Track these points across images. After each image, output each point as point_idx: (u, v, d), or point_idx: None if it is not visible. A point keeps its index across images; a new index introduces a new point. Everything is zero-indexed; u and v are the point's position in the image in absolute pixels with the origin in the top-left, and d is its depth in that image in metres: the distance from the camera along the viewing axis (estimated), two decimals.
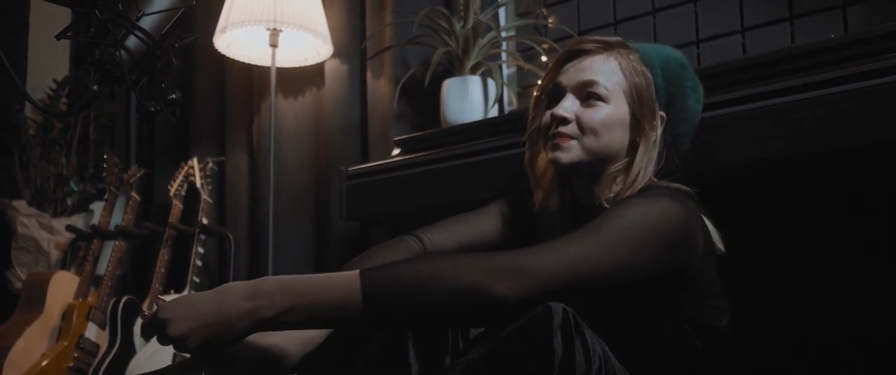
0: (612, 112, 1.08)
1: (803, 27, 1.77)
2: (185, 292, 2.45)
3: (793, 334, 1.49)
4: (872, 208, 1.41)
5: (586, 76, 1.09)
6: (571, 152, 1.09)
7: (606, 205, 1.07)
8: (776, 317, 1.51)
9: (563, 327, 0.83)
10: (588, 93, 1.09)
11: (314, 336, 1.01)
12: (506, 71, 2.25)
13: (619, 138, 1.09)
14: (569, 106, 1.09)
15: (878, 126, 1.13)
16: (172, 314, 0.84)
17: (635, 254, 0.93)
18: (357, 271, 0.87)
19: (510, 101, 2.17)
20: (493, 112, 2.00)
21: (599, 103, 1.08)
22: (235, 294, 0.85)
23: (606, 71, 1.09)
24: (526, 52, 2.17)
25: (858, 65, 1.18)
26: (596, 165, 1.11)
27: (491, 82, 1.99)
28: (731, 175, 1.34)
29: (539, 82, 1.18)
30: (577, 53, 1.12)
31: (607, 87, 1.08)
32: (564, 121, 1.08)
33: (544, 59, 2.01)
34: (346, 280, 0.86)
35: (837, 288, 1.45)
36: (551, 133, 1.10)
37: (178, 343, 0.83)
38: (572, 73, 1.11)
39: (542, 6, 2.19)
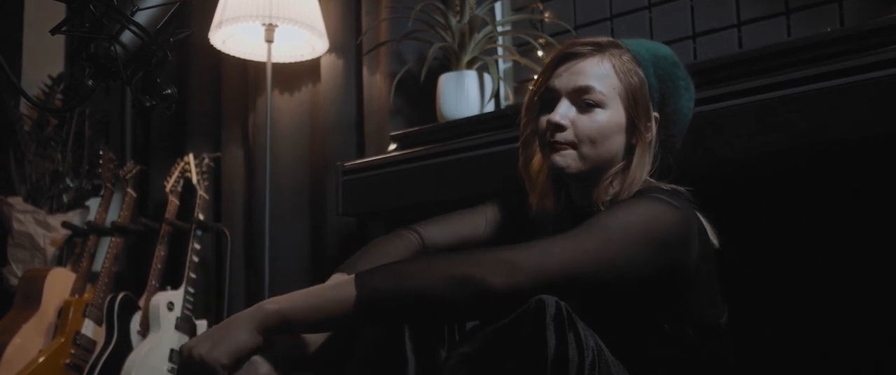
0: (610, 118, 1.07)
1: (799, 21, 1.77)
2: (182, 288, 2.45)
3: (789, 329, 1.50)
4: (868, 202, 1.42)
5: (581, 81, 1.07)
6: (569, 161, 1.08)
7: (603, 208, 1.07)
8: (772, 312, 1.51)
9: (556, 320, 0.83)
10: (584, 99, 1.07)
11: None
12: (502, 65, 2.24)
13: (616, 143, 1.08)
14: (564, 112, 1.08)
15: (876, 119, 1.14)
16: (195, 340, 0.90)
17: (629, 255, 0.93)
18: (353, 275, 0.92)
19: (506, 96, 2.17)
20: (490, 107, 2.00)
21: (596, 109, 1.07)
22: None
23: (601, 74, 1.07)
24: (522, 47, 2.17)
25: (855, 59, 1.18)
26: (593, 170, 1.10)
27: (487, 77, 1.98)
28: (725, 171, 1.34)
29: (531, 86, 1.17)
30: (569, 56, 1.10)
31: (603, 92, 1.07)
32: (561, 128, 1.07)
33: (540, 53, 2.01)
34: (342, 284, 0.91)
35: (833, 282, 1.46)
36: (547, 140, 1.09)
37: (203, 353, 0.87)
38: (566, 77, 1.09)
39: (538, 1, 2.19)
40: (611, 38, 1.13)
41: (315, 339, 1.00)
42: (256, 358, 0.91)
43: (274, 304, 0.90)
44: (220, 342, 0.87)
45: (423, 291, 0.88)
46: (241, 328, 0.88)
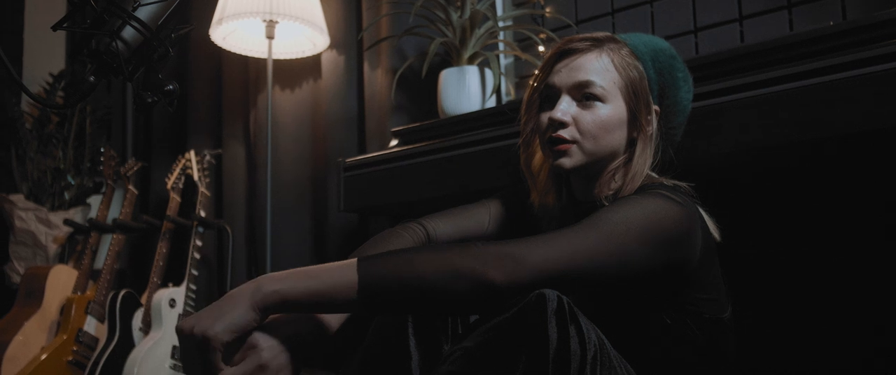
0: (611, 112, 1.07)
1: (801, 15, 1.77)
2: (184, 285, 2.45)
3: (790, 323, 1.50)
4: (872, 196, 1.41)
5: (581, 76, 1.07)
6: (573, 157, 1.07)
7: (606, 203, 1.07)
8: (774, 306, 1.51)
9: (558, 314, 0.83)
10: (584, 94, 1.07)
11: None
12: (503, 61, 2.24)
13: (618, 137, 1.08)
14: (566, 108, 1.07)
15: (879, 112, 1.13)
16: (195, 316, 0.87)
17: (629, 251, 0.92)
18: (355, 259, 0.89)
19: (508, 91, 2.17)
20: (491, 102, 2.00)
21: (597, 104, 1.07)
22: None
23: (600, 69, 1.07)
24: (523, 42, 2.17)
25: (857, 53, 1.18)
26: (596, 166, 1.10)
27: (488, 72, 1.98)
28: (728, 165, 1.34)
29: (531, 82, 1.17)
30: (567, 52, 1.10)
31: (603, 86, 1.07)
32: (562, 124, 1.07)
33: (541, 48, 2.01)
34: (344, 266, 0.89)
35: (836, 276, 1.46)
36: (549, 137, 1.09)
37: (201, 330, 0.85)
38: (566, 73, 1.09)
39: None
40: (608, 33, 1.13)
41: (331, 322, 0.98)
42: (258, 336, 0.88)
43: (273, 283, 0.88)
44: (221, 318, 0.85)
45: (423, 280, 0.87)
46: (240, 304, 0.87)
